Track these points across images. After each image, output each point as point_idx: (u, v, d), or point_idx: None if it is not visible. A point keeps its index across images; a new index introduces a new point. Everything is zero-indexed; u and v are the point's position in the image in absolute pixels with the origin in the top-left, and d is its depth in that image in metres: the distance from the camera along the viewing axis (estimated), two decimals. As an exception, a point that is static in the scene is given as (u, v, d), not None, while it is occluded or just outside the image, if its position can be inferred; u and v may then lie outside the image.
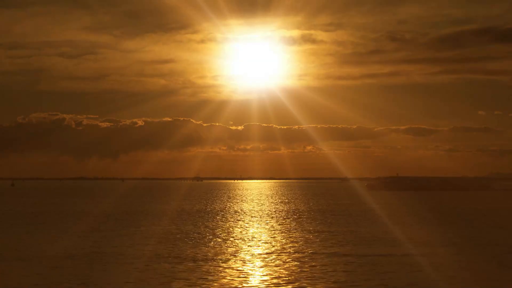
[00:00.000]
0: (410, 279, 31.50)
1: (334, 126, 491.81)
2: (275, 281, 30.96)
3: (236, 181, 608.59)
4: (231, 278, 31.62)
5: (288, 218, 74.61)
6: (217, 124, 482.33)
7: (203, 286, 29.79)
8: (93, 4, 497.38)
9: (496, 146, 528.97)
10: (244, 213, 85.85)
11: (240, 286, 29.85)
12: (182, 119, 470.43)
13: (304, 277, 32.09)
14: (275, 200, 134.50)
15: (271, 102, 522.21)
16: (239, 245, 46.09)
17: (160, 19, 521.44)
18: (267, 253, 41.16)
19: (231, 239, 50.45)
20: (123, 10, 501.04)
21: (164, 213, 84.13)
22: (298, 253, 41.24)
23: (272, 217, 76.43)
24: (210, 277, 31.90)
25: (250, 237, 51.64)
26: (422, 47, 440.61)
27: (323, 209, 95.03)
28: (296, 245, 46.24)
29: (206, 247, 44.92)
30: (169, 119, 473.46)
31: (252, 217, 77.51)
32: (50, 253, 41.14)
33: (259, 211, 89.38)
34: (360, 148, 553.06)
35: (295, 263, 36.89)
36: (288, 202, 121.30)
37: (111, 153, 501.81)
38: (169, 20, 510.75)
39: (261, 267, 35.35)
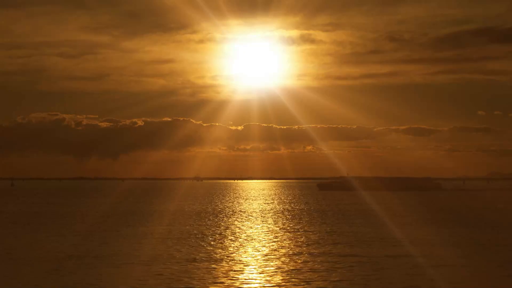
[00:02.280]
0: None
1: (334, 126, 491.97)
2: (275, 282, 30.86)
3: (236, 181, 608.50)
4: (231, 279, 31.52)
5: (287, 218, 74.49)
6: (217, 124, 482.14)
7: (204, 287, 29.70)
8: (92, 4, 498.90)
9: (496, 146, 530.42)
10: (245, 213, 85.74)
11: (241, 286, 29.77)
12: (181, 119, 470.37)
13: (304, 277, 31.99)
14: (275, 200, 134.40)
15: (270, 102, 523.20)
16: (240, 245, 46.00)
17: (159, 19, 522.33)
18: (267, 254, 41.07)
19: (232, 239, 50.36)
20: (123, 10, 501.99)
21: (164, 213, 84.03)
22: (298, 254, 41.15)
23: (272, 217, 76.32)
24: (210, 278, 31.81)
25: (250, 238, 51.56)
26: (421, 47, 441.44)
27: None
28: (296, 245, 46.13)
29: (207, 247, 44.83)
30: (169, 119, 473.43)
31: (252, 217, 77.41)
32: (50, 254, 41.04)
33: (259, 211, 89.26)
34: (360, 148, 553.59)
35: (295, 264, 36.80)
36: (287, 202, 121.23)
37: (111, 153, 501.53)
38: (168, 20, 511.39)
39: (262, 268, 35.26)
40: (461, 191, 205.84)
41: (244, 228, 61.30)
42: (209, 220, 72.50)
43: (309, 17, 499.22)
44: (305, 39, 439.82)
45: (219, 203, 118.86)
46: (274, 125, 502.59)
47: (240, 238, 51.52)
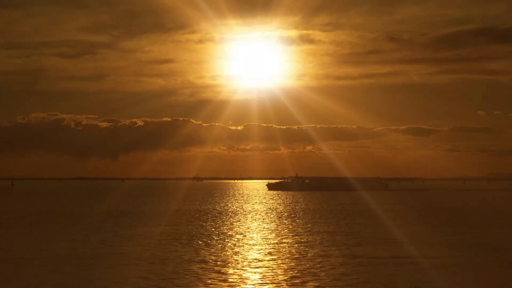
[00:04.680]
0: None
1: (334, 126, 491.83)
2: (275, 283, 30.84)
3: (236, 181, 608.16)
4: (231, 280, 31.51)
5: (287, 218, 74.48)
6: (217, 124, 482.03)
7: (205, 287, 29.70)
8: (91, 4, 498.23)
9: (496, 146, 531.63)
10: (245, 213, 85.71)
11: (242, 287, 29.76)
12: (181, 119, 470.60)
13: (304, 279, 31.98)
14: (275, 200, 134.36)
15: (270, 102, 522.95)
16: (240, 246, 45.98)
17: (158, 19, 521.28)
18: (267, 255, 41.05)
19: (232, 240, 50.33)
20: (122, 10, 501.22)
21: (164, 214, 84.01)
22: (298, 255, 41.13)
23: (272, 217, 76.29)
24: (210, 279, 31.79)
25: (250, 238, 51.54)
26: (421, 47, 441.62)
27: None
28: (296, 246, 46.12)
29: (207, 248, 44.80)
30: (169, 119, 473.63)
31: (252, 217, 77.39)
32: (50, 254, 41.02)
33: (259, 211, 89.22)
34: (360, 148, 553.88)
35: (296, 264, 36.79)
36: (286, 202, 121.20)
37: (110, 153, 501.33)
38: (168, 20, 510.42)
39: (262, 269, 35.24)
40: (407, 191, 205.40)
41: (244, 228, 61.29)
42: (210, 220, 72.49)
43: (308, 17, 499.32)
44: (304, 39, 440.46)
45: (219, 203, 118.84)
46: (274, 125, 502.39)
47: (240, 238, 51.51)
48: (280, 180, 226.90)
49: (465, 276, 33.12)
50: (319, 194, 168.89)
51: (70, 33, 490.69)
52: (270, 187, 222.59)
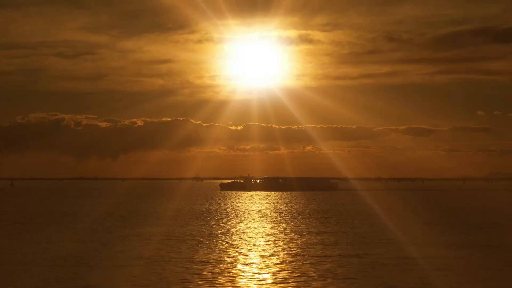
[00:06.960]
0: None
1: (334, 126, 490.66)
2: (275, 283, 30.84)
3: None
4: (231, 280, 31.51)
5: (287, 218, 74.54)
6: (217, 124, 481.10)
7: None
8: (90, 4, 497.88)
9: (496, 146, 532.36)
10: (245, 213, 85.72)
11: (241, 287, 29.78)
12: (181, 119, 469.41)
13: (304, 279, 31.98)
14: (274, 200, 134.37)
15: (270, 102, 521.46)
16: (240, 246, 45.98)
17: (157, 19, 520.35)
18: (266, 255, 41.06)
19: (232, 240, 50.35)
20: (120, 10, 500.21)
21: (164, 214, 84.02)
22: (298, 255, 41.15)
23: (271, 217, 76.32)
24: (210, 280, 31.79)
25: (250, 238, 51.55)
26: (420, 47, 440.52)
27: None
28: (296, 246, 46.14)
29: (208, 248, 44.81)
30: (168, 119, 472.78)
31: (252, 217, 77.40)
32: (48, 254, 41.01)
33: (259, 211, 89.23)
34: (360, 148, 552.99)
35: (295, 265, 36.80)
36: (286, 203, 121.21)
37: (110, 153, 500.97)
38: (166, 20, 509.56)
39: (261, 269, 35.24)
40: (354, 191, 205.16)
41: (243, 228, 61.30)
42: (210, 220, 72.49)
43: (307, 17, 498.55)
44: (303, 39, 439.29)
45: (220, 203, 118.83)
46: (274, 125, 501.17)
47: (239, 238, 51.52)
48: (232, 180, 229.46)
49: (465, 276, 33.13)
50: (269, 193, 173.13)
51: (69, 33, 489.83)
52: (223, 187, 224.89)
